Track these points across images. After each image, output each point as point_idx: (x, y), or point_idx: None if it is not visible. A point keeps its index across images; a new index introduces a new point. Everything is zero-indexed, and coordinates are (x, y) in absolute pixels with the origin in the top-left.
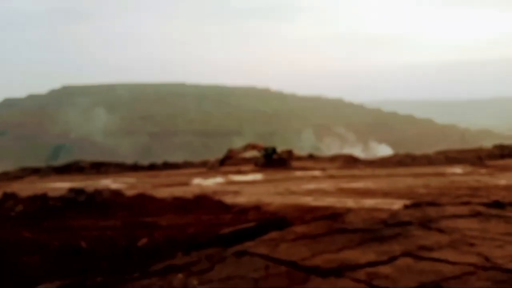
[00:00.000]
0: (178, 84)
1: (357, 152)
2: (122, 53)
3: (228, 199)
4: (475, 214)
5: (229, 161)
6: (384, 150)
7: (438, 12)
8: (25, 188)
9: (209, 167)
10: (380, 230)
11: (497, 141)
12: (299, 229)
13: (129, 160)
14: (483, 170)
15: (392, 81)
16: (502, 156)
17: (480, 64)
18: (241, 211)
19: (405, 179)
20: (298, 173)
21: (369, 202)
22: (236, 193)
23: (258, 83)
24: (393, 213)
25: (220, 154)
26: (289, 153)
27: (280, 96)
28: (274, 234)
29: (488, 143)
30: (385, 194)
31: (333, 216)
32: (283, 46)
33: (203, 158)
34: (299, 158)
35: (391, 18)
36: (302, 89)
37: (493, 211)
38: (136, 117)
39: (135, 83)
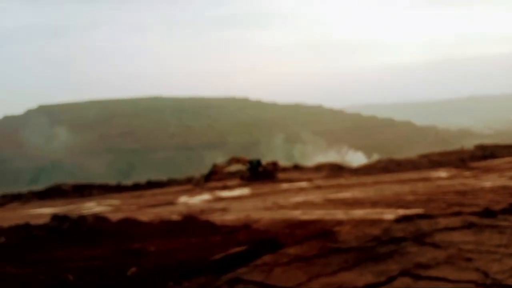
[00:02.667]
0: (155, 97)
1: (332, 158)
2: (98, 67)
3: (217, 218)
4: (468, 225)
5: (214, 176)
6: (357, 156)
7: (406, 13)
8: (7, 217)
9: (194, 184)
10: (374, 247)
11: (477, 141)
12: (292, 250)
13: (112, 179)
14: (467, 173)
15: (370, 84)
16: (484, 157)
17: (454, 62)
18: (231, 231)
19: (391, 186)
20: (285, 185)
21: (358, 213)
22: (224, 210)
23: (237, 93)
24: (386, 229)
25: (203, 168)
26: (274, 164)
27: (259, 105)
28: (267, 258)
29: (468, 143)
30: (374, 203)
31: (325, 233)
32: (259, 54)
33: (187, 174)
34: (284, 169)
35: (362, 22)
36: (281, 96)
37: (486, 221)
38: (115, 134)
39: (111, 99)
